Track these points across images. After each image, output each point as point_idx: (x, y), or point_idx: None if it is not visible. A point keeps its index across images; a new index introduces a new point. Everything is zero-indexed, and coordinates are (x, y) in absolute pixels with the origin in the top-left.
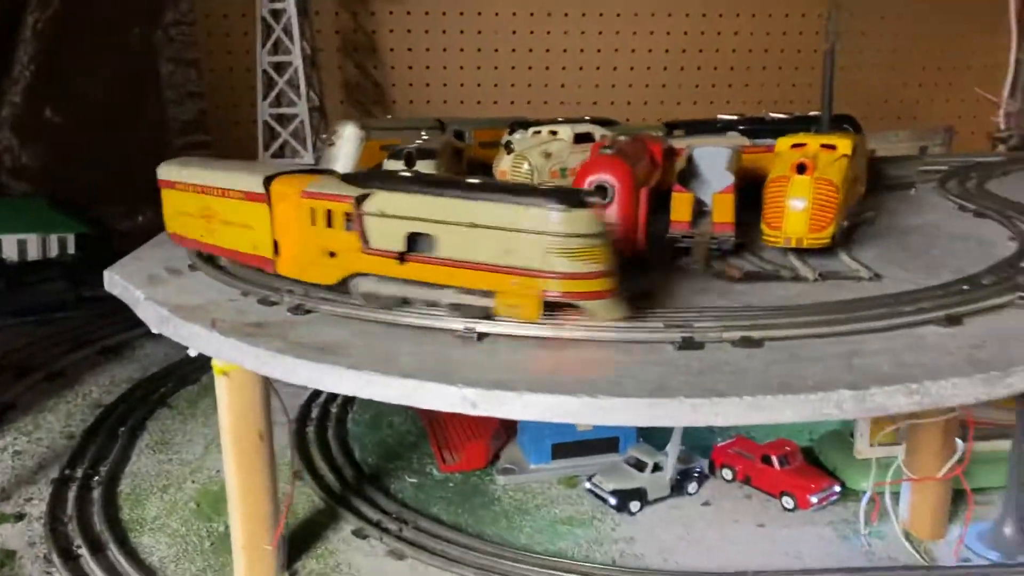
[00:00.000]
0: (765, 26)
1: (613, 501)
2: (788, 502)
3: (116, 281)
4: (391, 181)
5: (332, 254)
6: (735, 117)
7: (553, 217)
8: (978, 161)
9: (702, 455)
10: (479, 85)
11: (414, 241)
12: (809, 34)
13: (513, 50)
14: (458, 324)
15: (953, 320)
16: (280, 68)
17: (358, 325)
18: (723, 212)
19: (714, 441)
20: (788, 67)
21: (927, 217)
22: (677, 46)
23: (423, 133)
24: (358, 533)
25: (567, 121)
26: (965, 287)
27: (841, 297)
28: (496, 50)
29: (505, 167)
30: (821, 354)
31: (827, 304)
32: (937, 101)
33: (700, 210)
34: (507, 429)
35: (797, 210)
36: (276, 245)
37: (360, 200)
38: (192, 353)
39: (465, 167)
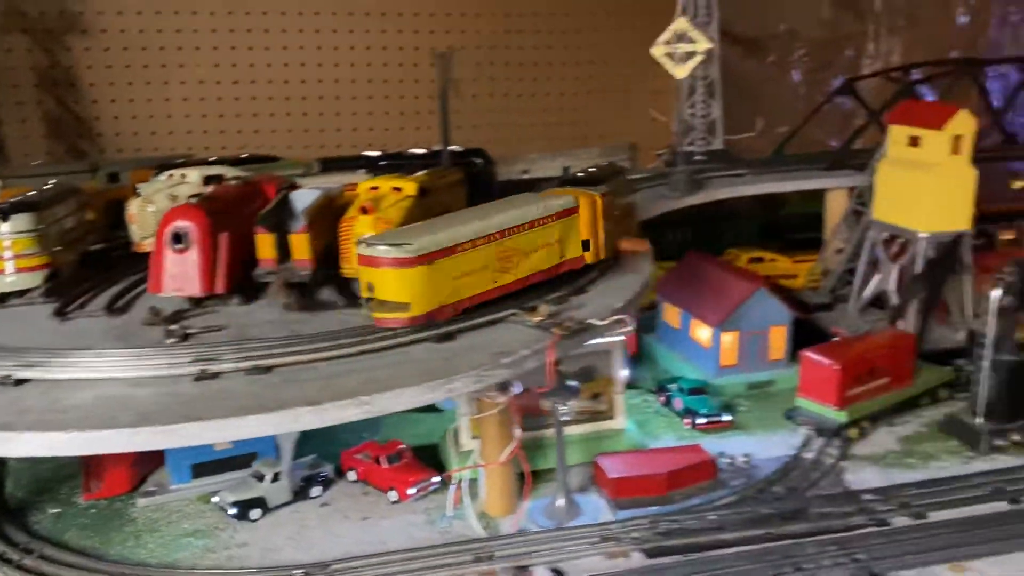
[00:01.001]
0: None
1: (233, 511)
2: (392, 495)
3: None
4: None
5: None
6: (378, 153)
7: None
8: (630, 178)
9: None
10: (187, 116)
11: None
12: (492, 66)
13: (218, 82)
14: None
15: (444, 337)
16: None
17: None
18: (299, 250)
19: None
20: (485, 96)
21: None
22: (362, 76)
23: (50, 181)
24: None
25: (198, 163)
26: (483, 305)
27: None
28: (201, 82)
29: (133, 210)
30: (312, 376)
31: (337, 331)
32: (623, 120)
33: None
34: (156, 455)
35: None
36: (586, 244)
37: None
38: None
39: (103, 207)
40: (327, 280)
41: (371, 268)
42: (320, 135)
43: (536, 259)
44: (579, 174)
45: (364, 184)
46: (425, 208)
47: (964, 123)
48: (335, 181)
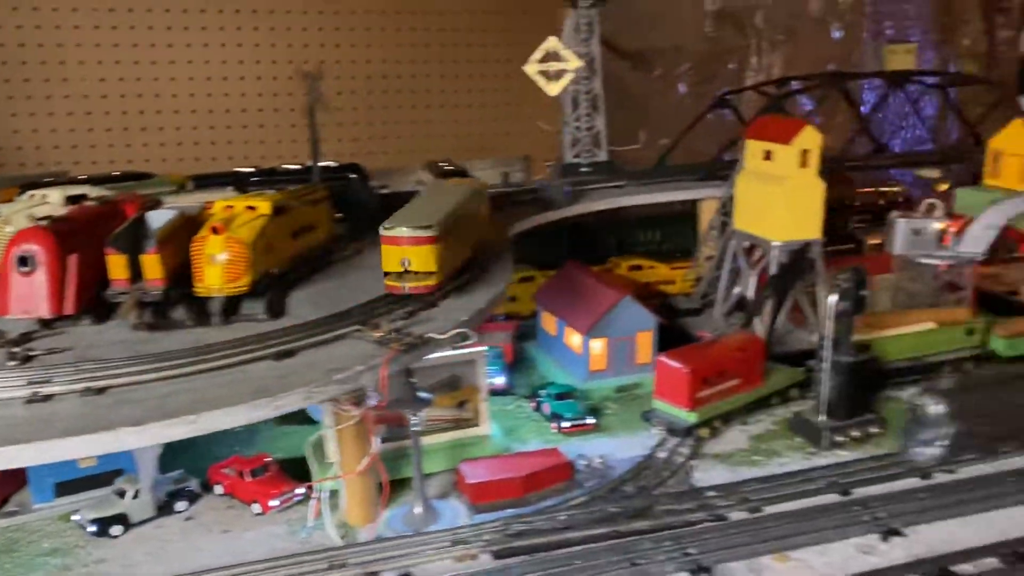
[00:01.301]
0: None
1: (92, 529)
2: (256, 508)
3: None
4: None
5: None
6: (251, 170)
7: None
8: (510, 191)
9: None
10: (72, 131)
11: None
12: (385, 79)
13: (103, 97)
14: None
15: (284, 355)
16: None
17: None
18: (150, 270)
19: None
20: (379, 109)
21: None
22: (252, 90)
23: None
24: None
25: (65, 182)
26: (330, 321)
27: (231, 337)
28: (85, 96)
29: None
30: (147, 396)
31: (179, 351)
32: (515, 133)
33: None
34: (19, 474)
35: (214, 265)
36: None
37: None
38: None
39: None
40: (180, 299)
41: (406, 247)
42: (211, 148)
43: (475, 232)
44: (446, 169)
45: (219, 203)
46: (281, 226)
47: (810, 138)
48: (201, 199)
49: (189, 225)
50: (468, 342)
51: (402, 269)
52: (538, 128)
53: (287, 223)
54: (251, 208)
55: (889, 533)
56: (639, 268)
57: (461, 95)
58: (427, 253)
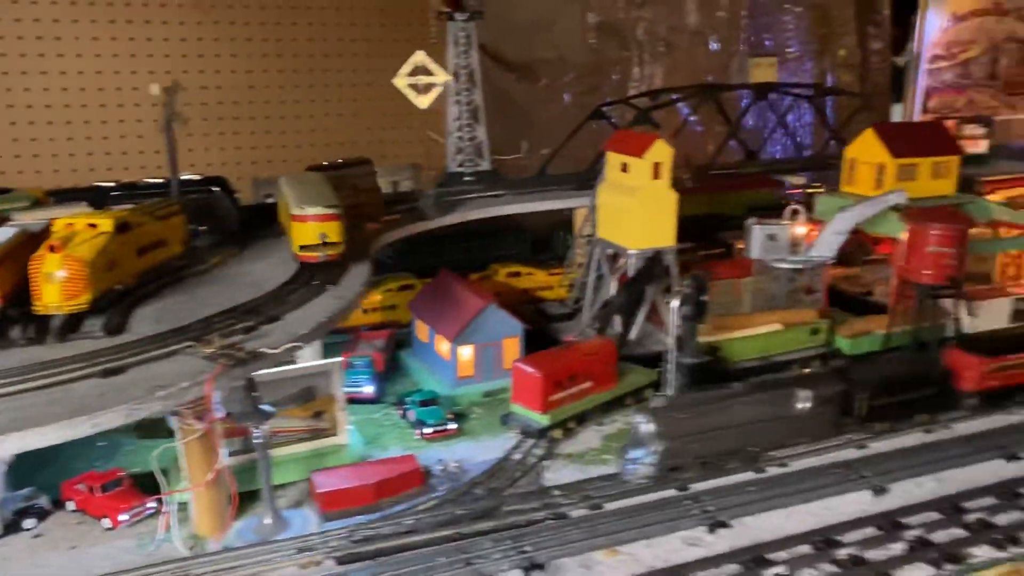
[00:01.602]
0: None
1: None
2: (106, 522)
3: None
4: None
5: None
6: (111, 184)
7: None
8: (392, 200)
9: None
10: None
11: None
12: (268, 88)
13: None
14: None
15: (112, 372)
16: None
17: None
18: None
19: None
20: (261, 119)
21: (258, 264)
22: (128, 100)
23: None
24: None
25: None
26: (166, 337)
27: (63, 355)
28: None
29: None
30: None
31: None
32: (402, 142)
33: None
34: None
35: (51, 283)
36: None
37: None
38: None
39: None
40: (20, 318)
41: (322, 222)
42: (87, 159)
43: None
44: (312, 164)
45: (60, 220)
46: (125, 243)
47: (661, 151)
48: (51, 215)
49: (31, 243)
50: (300, 353)
51: (320, 242)
52: (428, 137)
53: (132, 239)
54: (92, 226)
55: (716, 525)
56: (517, 275)
57: (347, 103)
58: (338, 227)
